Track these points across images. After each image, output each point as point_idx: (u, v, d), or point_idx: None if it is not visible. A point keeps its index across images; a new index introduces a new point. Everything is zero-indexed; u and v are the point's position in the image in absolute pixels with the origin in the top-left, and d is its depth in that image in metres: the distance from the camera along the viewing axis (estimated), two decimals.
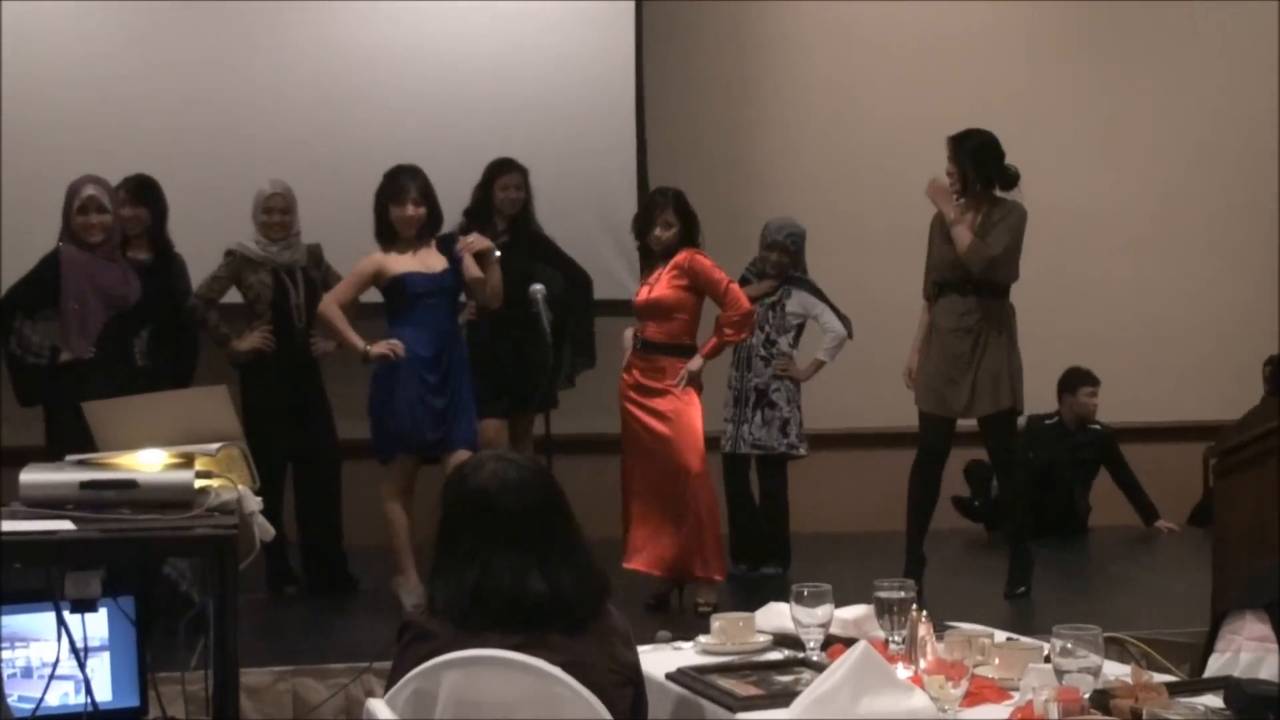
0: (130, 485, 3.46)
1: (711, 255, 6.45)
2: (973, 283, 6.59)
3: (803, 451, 7.34)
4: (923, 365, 6.75)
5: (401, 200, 6.34)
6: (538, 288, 6.39)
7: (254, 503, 3.65)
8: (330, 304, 6.37)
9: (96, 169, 6.30)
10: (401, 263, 6.34)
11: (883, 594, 3.22)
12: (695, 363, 6.38)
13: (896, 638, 3.17)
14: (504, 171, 7.11)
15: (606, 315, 7.57)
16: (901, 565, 6.56)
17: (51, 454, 5.52)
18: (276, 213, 6.79)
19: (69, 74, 7.71)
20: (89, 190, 6.05)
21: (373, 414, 6.36)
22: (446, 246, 6.48)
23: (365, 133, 7.90)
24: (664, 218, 6.37)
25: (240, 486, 3.61)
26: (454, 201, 6.82)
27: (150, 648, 4.02)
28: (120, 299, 6.13)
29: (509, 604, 2.65)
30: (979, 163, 6.59)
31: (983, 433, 6.70)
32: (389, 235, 6.38)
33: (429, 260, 6.40)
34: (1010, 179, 6.64)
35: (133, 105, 7.77)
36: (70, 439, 5.65)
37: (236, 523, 3.51)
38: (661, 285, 6.36)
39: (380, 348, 6.23)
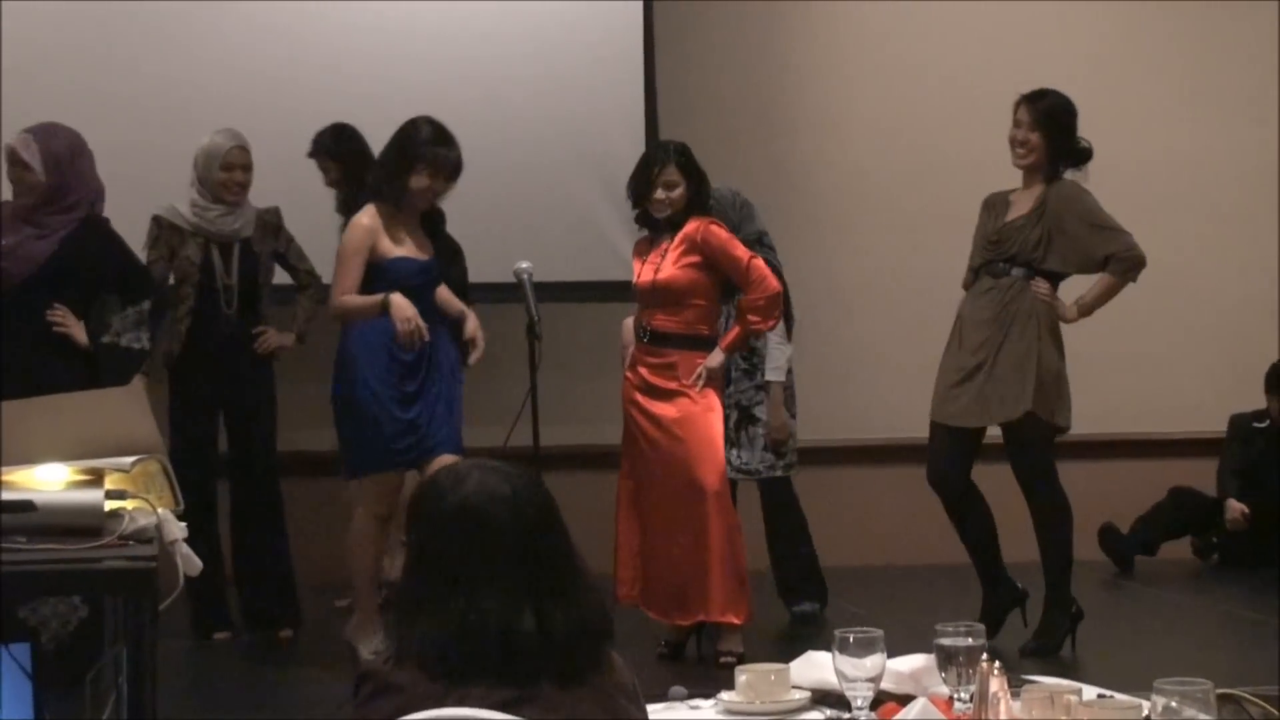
0: (26, 508, 3.42)
1: None
2: (1010, 263, 6.62)
3: (792, 470, 7.32)
4: (943, 365, 6.78)
5: (436, 171, 6.32)
6: (524, 265, 6.39)
7: (177, 529, 3.60)
8: (340, 301, 6.32)
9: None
10: (395, 242, 6.34)
11: (946, 641, 3.20)
12: (715, 358, 6.37)
13: (963, 694, 3.15)
14: None
15: (606, 300, 7.58)
16: (966, 602, 6.60)
17: None
18: (239, 169, 6.83)
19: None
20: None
21: (340, 422, 6.37)
22: (433, 226, 6.50)
23: (332, 91, 7.89)
24: (664, 177, 6.36)
25: (160, 509, 3.57)
26: None
27: (50, 704, 4.02)
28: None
29: (499, 648, 2.64)
30: (1060, 131, 6.60)
31: (1006, 446, 6.67)
32: (391, 200, 6.36)
33: (422, 243, 6.43)
34: (1085, 154, 6.66)
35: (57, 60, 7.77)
36: None
37: (155, 553, 3.47)
38: (669, 264, 6.36)
39: (409, 313, 6.18)
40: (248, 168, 6.87)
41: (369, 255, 6.29)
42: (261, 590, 6.98)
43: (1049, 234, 6.58)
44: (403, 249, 6.34)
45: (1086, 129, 6.68)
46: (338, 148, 7.25)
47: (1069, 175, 6.67)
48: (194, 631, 6.84)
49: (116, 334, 6.26)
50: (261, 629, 6.94)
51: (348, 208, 6.74)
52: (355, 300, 6.28)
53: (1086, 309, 6.66)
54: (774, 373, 7.16)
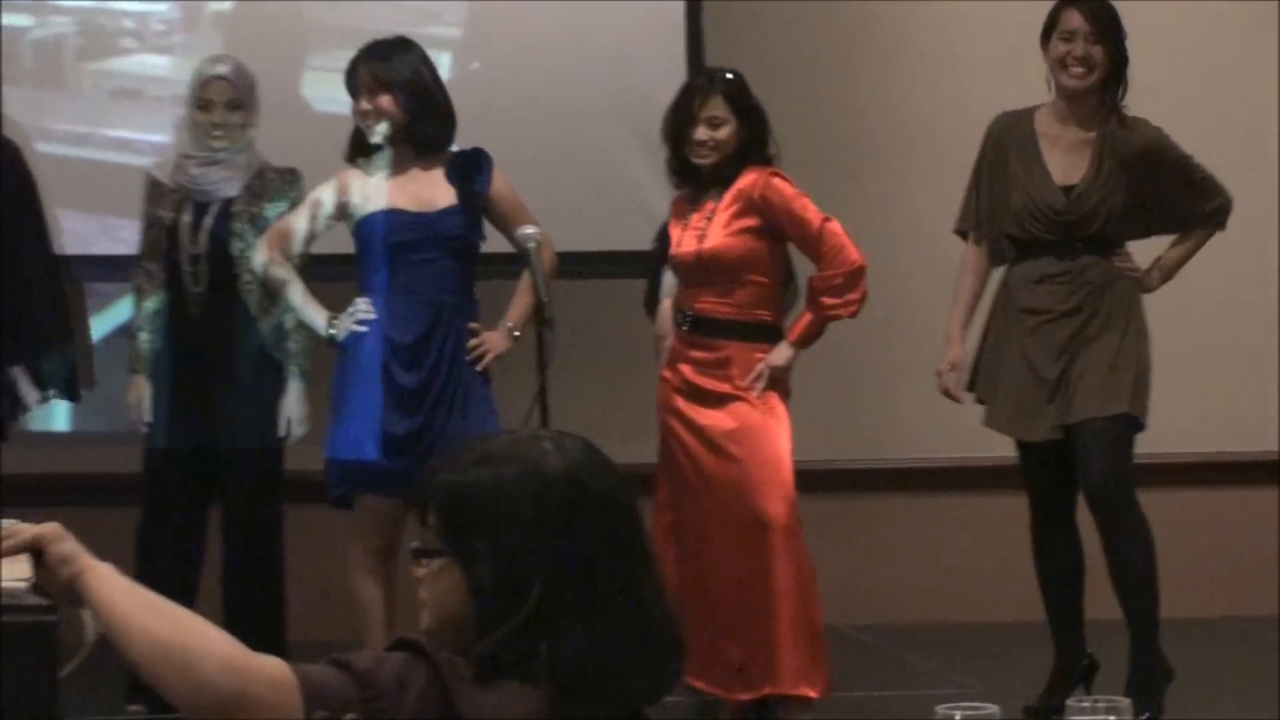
0: None
1: None
2: (1083, 240, 6.69)
3: None
4: (991, 361, 6.86)
5: (356, 89, 6.60)
6: (529, 231, 6.41)
7: None
8: (274, 255, 6.55)
9: None
10: (374, 190, 6.53)
11: (1079, 719, 3.20)
12: (780, 353, 6.38)
13: None
14: None
15: (636, 277, 7.58)
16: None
17: None
18: (219, 108, 6.84)
19: None
20: None
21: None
22: (460, 169, 6.60)
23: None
24: (708, 112, 6.37)
25: None
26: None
27: None
28: None
29: (627, 672, 2.67)
30: (1123, 46, 6.71)
31: (1074, 451, 6.72)
32: (360, 147, 6.61)
33: (423, 189, 6.56)
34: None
35: None
36: None
37: (54, 605, 3.50)
38: (718, 229, 6.36)
39: (346, 322, 6.49)
40: (236, 105, 6.87)
41: (344, 214, 6.58)
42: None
43: (1131, 197, 6.68)
44: (388, 196, 6.54)
45: None
46: None
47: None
48: (126, 701, 6.81)
49: None
50: None
51: None
52: (293, 293, 6.61)
53: (1169, 273, 6.83)
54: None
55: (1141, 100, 6.86)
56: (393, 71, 6.56)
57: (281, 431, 6.84)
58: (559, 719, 2.61)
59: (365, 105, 6.55)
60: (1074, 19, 6.67)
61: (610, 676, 2.63)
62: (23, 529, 2.91)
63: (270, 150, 6.99)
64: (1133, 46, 6.75)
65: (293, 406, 6.83)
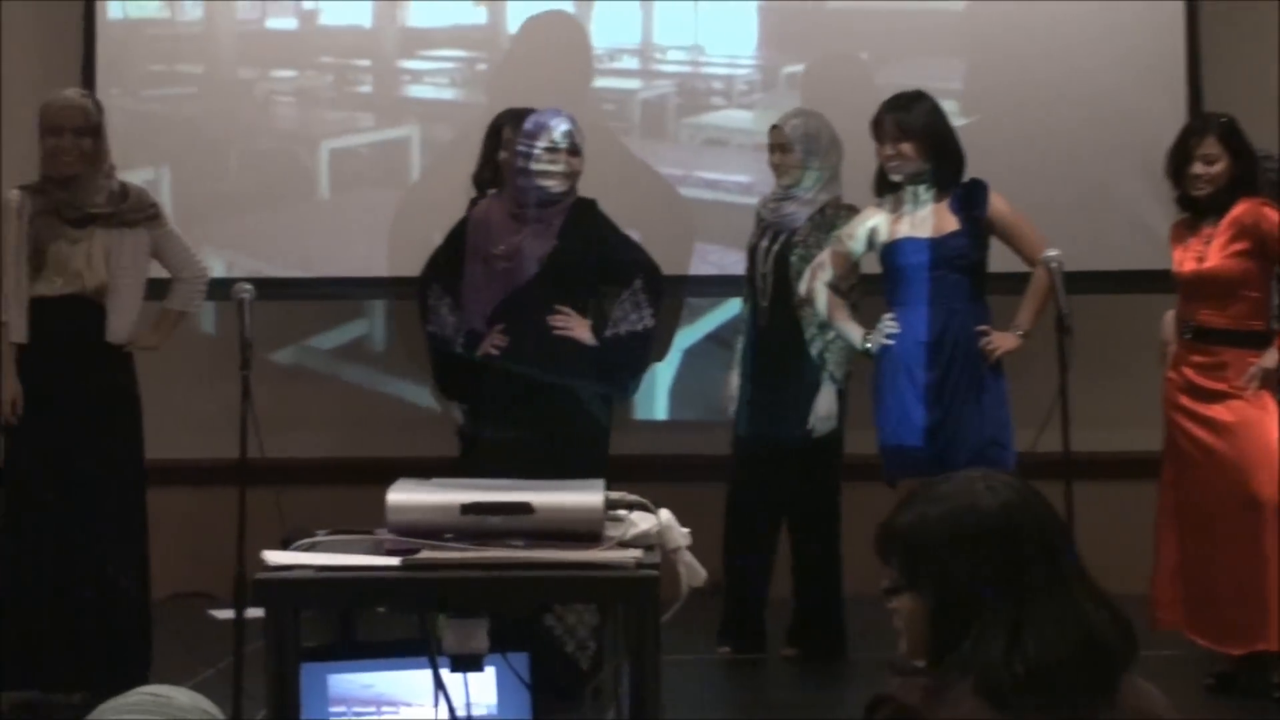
0: (523, 510, 3.48)
1: None
2: None
3: None
4: None
5: (880, 135, 6.34)
6: (1052, 254, 6.08)
7: (680, 536, 3.59)
8: (818, 288, 6.49)
9: None
10: (897, 221, 6.34)
11: None
12: (1270, 357, 5.96)
13: None
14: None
15: (1142, 292, 7.31)
16: None
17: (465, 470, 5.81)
18: (777, 151, 6.72)
19: None
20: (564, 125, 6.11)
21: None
22: (962, 200, 6.34)
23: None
24: (1203, 150, 6.03)
25: (663, 513, 3.56)
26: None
27: (551, 715, 4.09)
28: (505, 274, 6.16)
29: (1064, 667, 2.55)
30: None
31: None
32: (883, 184, 6.41)
33: (933, 218, 6.32)
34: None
35: None
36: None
37: (658, 561, 3.46)
38: (1215, 251, 6.01)
39: (878, 336, 6.34)
40: (788, 149, 6.69)
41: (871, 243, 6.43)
42: (802, 609, 6.85)
43: None
44: (900, 228, 6.37)
45: None
46: None
47: None
48: (719, 641, 6.80)
49: (616, 324, 6.32)
50: (800, 648, 6.82)
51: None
52: (836, 315, 6.57)
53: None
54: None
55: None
56: (913, 121, 6.28)
57: (809, 425, 6.66)
58: (999, 716, 2.50)
59: (889, 150, 6.29)
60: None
61: (1042, 676, 2.53)
62: None
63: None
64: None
65: (821, 405, 6.56)
